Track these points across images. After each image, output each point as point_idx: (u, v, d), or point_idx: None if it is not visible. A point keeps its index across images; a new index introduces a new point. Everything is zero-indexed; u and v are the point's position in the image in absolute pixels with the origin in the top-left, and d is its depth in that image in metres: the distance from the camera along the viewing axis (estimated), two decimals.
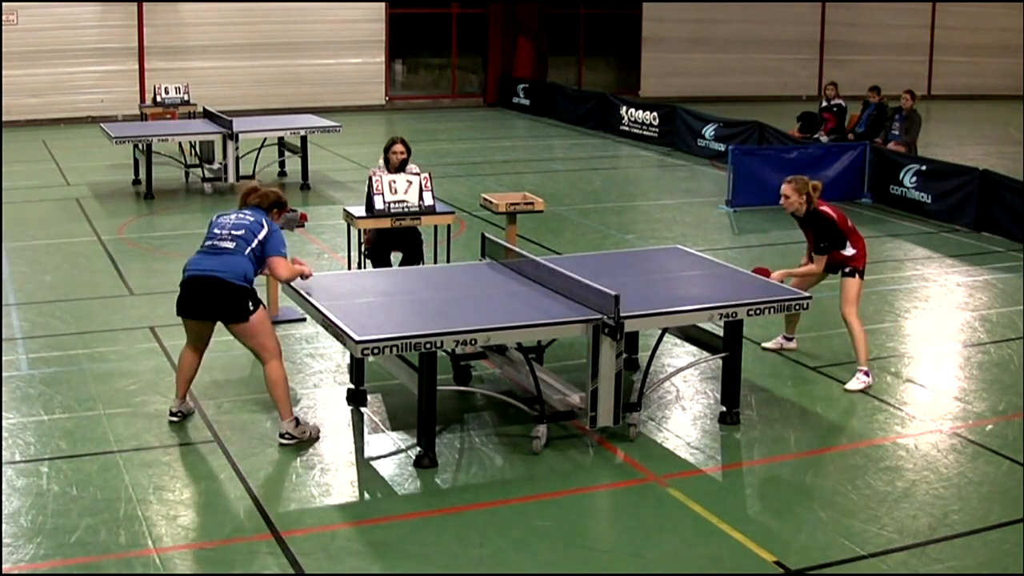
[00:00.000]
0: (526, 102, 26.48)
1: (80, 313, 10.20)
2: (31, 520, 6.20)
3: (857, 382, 8.45)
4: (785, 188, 8.59)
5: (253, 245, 7.18)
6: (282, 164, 17.26)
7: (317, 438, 7.32)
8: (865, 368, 8.49)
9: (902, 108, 18.13)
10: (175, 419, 7.58)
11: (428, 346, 6.66)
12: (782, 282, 8.31)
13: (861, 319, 8.63)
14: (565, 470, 7.01)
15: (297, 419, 7.29)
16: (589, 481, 6.95)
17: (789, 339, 9.26)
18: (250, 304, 7.13)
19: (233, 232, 7.22)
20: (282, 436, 7.23)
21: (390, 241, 10.19)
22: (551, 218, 13.86)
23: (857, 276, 8.56)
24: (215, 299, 7.14)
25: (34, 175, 17.33)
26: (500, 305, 7.41)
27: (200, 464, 7.03)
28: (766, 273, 8.39)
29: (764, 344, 9.24)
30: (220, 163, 16.07)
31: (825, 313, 9.68)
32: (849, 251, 8.57)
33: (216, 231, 7.30)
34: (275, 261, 7.26)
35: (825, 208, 8.59)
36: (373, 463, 7.15)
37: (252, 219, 7.30)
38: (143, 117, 20.73)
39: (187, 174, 16.58)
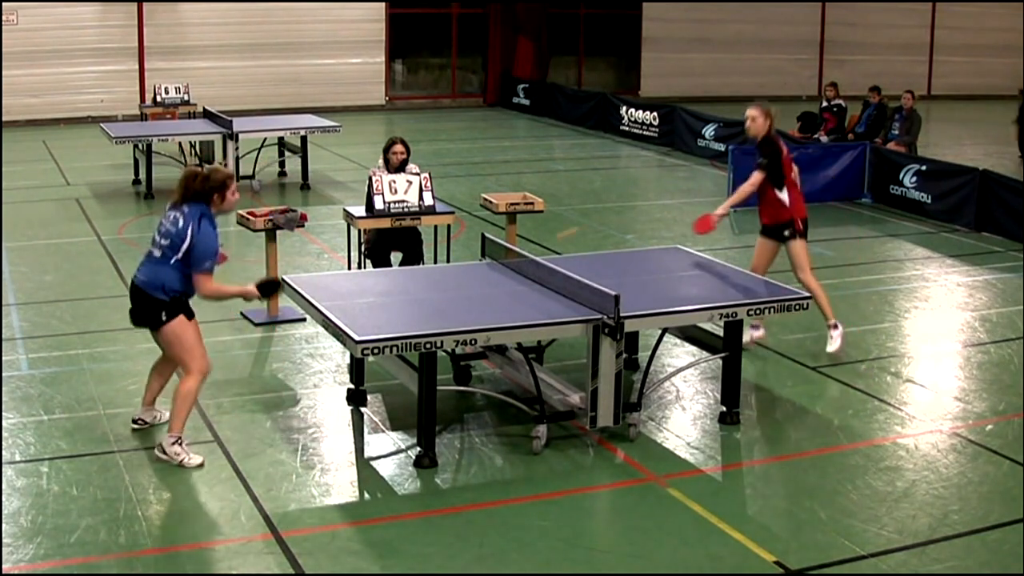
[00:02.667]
0: (526, 102, 26.48)
1: (80, 313, 10.20)
2: (31, 520, 6.20)
3: (835, 340, 8.81)
4: (752, 111, 9.05)
5: (179, 255, 6.85)
6: (282, 164, 17.26)
7: (192, 467, 6.87)
8: (834, 322, 8.84)
9: (902, 108, 18.14)
10: (136, 427, 7.43)
11: (428, 346, 6.66)
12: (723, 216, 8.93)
13: (817, 279, 8.90)
14: (565, 470, 7.01)
15: (180, 439, 6.92)
16: (589, 481, 6.95)
17: (756, 328, 9.25)
18: (163, 315, 6.89)
19: (162, 241, 6.92)
20: (158, 447, 6.99)
21: (390, 241, 10.19)
22: (551, 218, 13.86)
23: (799, 238, 8.84)
24: (136, 306, 7.04)
25: (34, 175, 17.32)
26: (500, 305, 7.41)
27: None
28: (708, 221, 8.80)
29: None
30: (220, 163, 16.06)
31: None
32: (784, 196, 8.85)
33: (156, 233, 7.03)
34: (197, 279, 6.87)
35: (780, 142, 8.99)
36: (373, 463, 7.15)
37: (180, 225, 6.85)
38: (143, 117, 20.72)
39: None
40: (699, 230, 8.89)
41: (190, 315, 7.04)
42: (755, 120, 8.98)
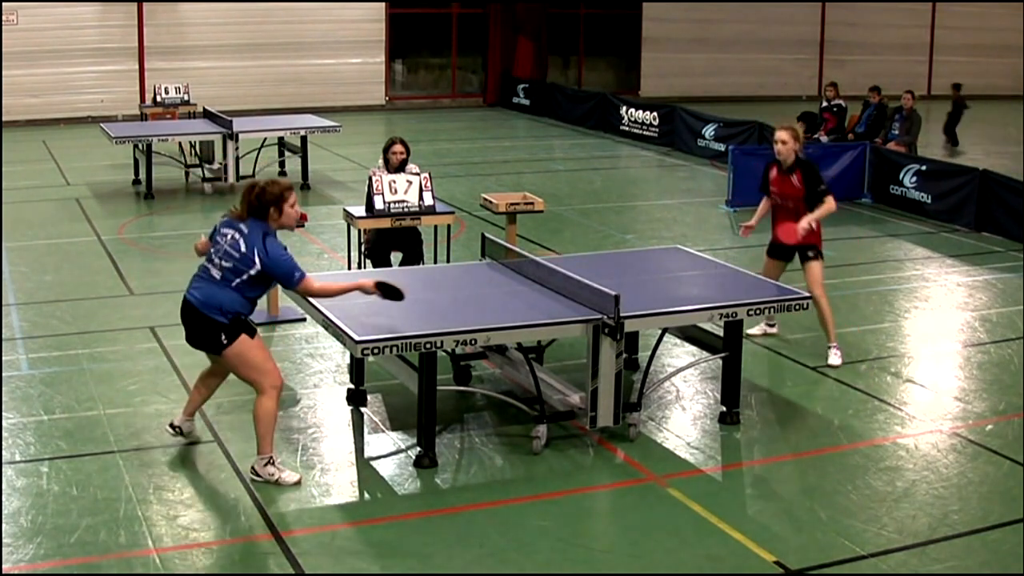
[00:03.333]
0: (526, 102, 26.48)
1: (80, 313, 10.20)
2: (31, 520, 6.20)
3: (836, 357, 8.85)
4: (782, 134, 8.79)
5: (244, 278, 6.58)
6: (282, 164, 17.26)
7: (290, 484, 6.72)
8: (835, 343, 8.92)
9: (902, 108, 18.14)
10: (170, 432, 7.28)
11: (428, 346, 6.66)
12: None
13: (829, 298, 8.99)
14: (565, 470, 7.01)
15: (272, 459, 6.76)
16: (589, 481, 6.95)
17: (771, 324, 9.35)
18: (223, 337, 6.61)
19: (223, 263, 6.61)
20: (252, 471, 6.79)
21: (390, 241, 10.19)
22: (551, 218, 13.86)
23: (820, 258, 8.88)
24: (192, 326, 6.76)
25: (34, 175, 17.33)
26: (500, 305, 7.41)
27: (200, 464, 7.02)
28: (793, 227, 8.68)
29: (749, 331, 9.20)
30: (220, 163, 16.07)
31: None
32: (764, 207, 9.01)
33: (213, 252, 6.70)
34: (302, 290, 6.69)
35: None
36: (373, 463, 7.15)
37: (244, 248, 6.57)
38: (143, 117, 20.74)
39: (187, 174, 16.57)
40: (788, 239, 8.78)
41: (252, 332, 6.74)
42: (786, 143, 8.76)
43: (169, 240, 13.12)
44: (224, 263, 6.61)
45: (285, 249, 6.71)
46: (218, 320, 6.60)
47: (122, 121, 22.17)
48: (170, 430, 7.30)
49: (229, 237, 6.66)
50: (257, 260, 6.55)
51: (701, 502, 6.55)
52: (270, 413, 6.70)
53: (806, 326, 9.48)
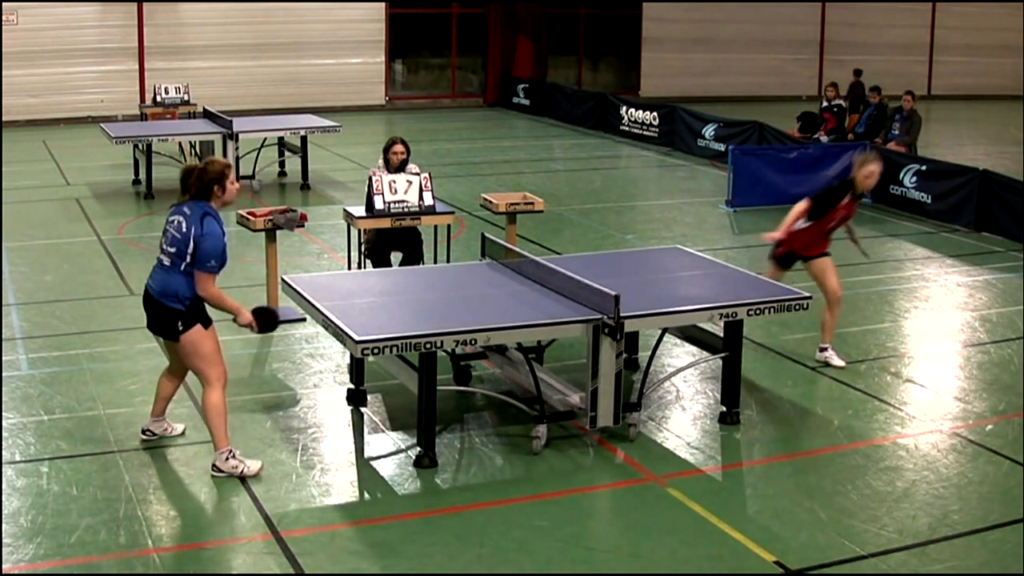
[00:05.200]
0: (526, 102, 26.48)
1: (80, 313, 10.20)
2: (31, 520, 6.20)
3: (838, 358, 8.84)
4: (876, 167, 8.79)
5: (188, 260, 6.65)
6: (282, 164, 17.26)
7: (254, 475, 6.80)
8: (831, 344, 8.91)
9: (903, 108, 18.15)
10: (144, 437, 7.31)
11: (428, 346, 6.66)
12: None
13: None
14: (565, 470, 7.01)
15: (232, 452, 6.82)
16: (589, 481, 6.95)
17: (823, 349, 9.12)
18: (179, 324, 6.71)
19: (169, 249, 6.70)
20: (213, 468, 6.82)
21: (390, 241, 10.19)
22: (551, 218, 13.86)
23: (823, 255, 8.89)
24: (151, 315, 6.85)
25: (34, 175, 17.32)
26: (500, 305, 7.41)
27: (200, 464, 7.01)
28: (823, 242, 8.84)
29: (831, 361, 9.14)
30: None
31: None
32: (803, 225, 8.87)
33: (163, 240, 6.80)
34: (199, 277, 6.67)
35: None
36: (373, 463, 7.15)
37: (184, 230, 6.63)
38: (143, 117, 20.72)
39: None
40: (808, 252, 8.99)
41: (207, 323, 6.82)
42: (877, 176, 8.93)
43: None
44: (170, 248, 6.74)
45: (223, 235, 6.72)
46: (175, 308, 6.73)
47: (122, 121, 22.17)
48: (144, 436, 7.33)
49: (175, 223, 6.77)
50: (192, 237, 6.63)
51: (701, 502, 6.55)
52: (218, 405, 6.78)
53: (806, 326, 9.48)
